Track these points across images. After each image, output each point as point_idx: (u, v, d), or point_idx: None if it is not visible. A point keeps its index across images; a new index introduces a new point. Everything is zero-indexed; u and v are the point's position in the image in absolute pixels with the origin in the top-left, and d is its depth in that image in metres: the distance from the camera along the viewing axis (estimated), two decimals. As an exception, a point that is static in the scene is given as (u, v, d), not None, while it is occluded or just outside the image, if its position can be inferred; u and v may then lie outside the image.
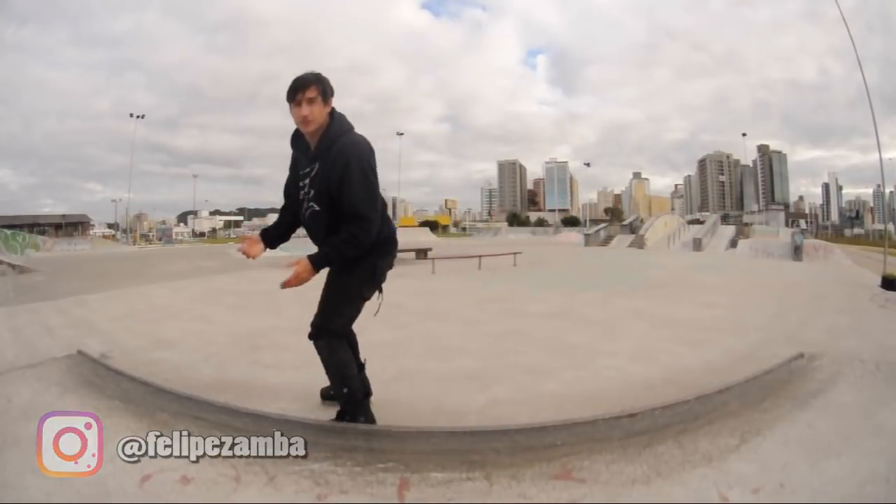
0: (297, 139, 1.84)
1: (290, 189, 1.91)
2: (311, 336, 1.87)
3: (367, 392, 2.02)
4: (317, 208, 1.75)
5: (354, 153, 1.70)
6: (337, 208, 1.72)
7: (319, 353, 1.87)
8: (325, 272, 1.83)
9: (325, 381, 2.01)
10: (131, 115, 39.59)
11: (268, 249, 1.99)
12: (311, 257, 1.70)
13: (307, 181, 1.78)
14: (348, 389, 1.87)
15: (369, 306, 1.95)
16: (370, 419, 1.88)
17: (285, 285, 1.71)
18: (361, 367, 2.04)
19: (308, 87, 1.69)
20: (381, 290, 1.94)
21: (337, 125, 1.75)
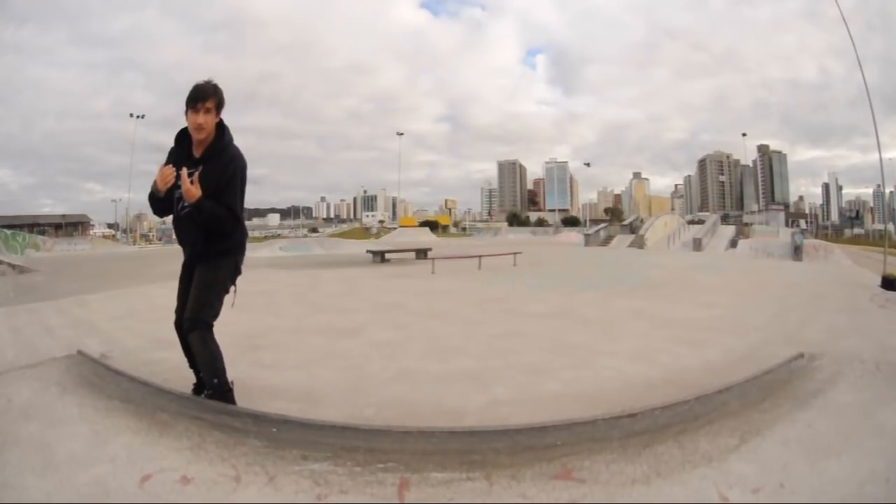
0: (183, 139, 2.00)
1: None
2: (187, 329, 2.00)
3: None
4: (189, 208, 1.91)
5: (241, 164, 1.96)
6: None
7: (193, 344, 2.01)
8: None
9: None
10: (131, 115, 39.59)
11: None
12: (201, 198, 1.87)
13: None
14: (218, 380, 1.99)
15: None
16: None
17: (187, 194, 1.86)
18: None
19: (208, 99, 1.86)
20: (235, 285, 2.17)
21: (227, 135, 1.97)
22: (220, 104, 1.91)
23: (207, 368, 2.01)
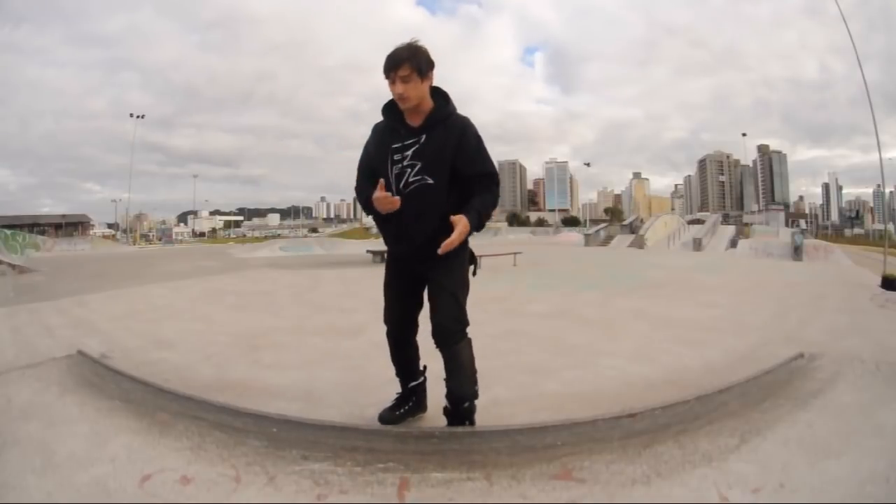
0: (391, 110, 1.74)
1: (374, 164, 1.74)
2: (451, 343, 1.71)
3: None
4: (430, 181, 1.65)
5: (469, 122, 1.70)
6: (456, 178, 1.66)
7: (459, 355, 1.73)
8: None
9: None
10: (131, 115, 39.67)
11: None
12: (471, 219, 1.62)
13: (409, 153, 1.67)
14: (478, 388, 1.79)
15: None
16: (473, 422, 1.80)
17: (448, 245, 1.58)
18: (424, 371, 2.01)
19: (400, 66, 1.61)
20: (474, 272, 1.87)
21: (451, 103, 1.73)
22: (421, 68, 1.62)
23: (470, 378, 1.78)
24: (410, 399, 2.00)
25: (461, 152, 1.66)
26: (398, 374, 1.99)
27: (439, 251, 1.58)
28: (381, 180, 1.67)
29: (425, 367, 2.02)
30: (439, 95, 1.73)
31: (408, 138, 1.69)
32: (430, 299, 1.78)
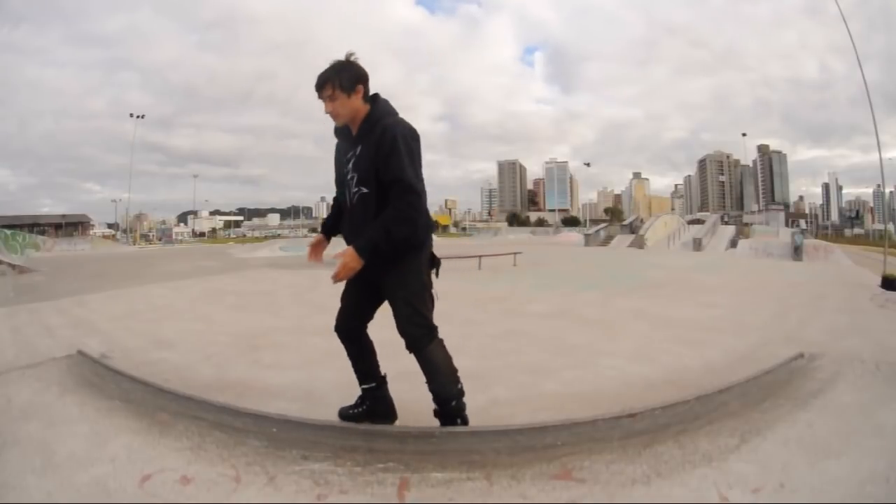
0: (340, 127, 1.82)
1: (338, 178, 1.85)
2: (419, 347, 1.73)
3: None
4: (365, 191, 1.69)
5: (399, 130, 1.67)
6: (384, 188, 1.66)
7: (432, 358, 1.74)
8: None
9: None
10: (131, 115, 39.68)
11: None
12: (356, 245, 1.62)
13: (350, 166, 1.75)
14: (461, 385, 1.79)
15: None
16: (465, 419, 1.81)
17: (335, 277, 1.64)
18: (382, 380, 1.97)
19: (324, 87, 1.70)
20: (436, 273, 1.84)
21: (381, 108, 1.74)
22: (344, 85, 1.68)
23: (448, 378, 1.79)
24: (365, 402, 1.97)
25: (377, 159, 1.66)
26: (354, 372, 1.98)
27: (332, 281, 1.66)
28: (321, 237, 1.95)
29: (384, 377, 1.98)
30: (375, 103, 1.75)
31: (349, 150, 1.77)
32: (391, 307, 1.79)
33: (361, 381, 1.95)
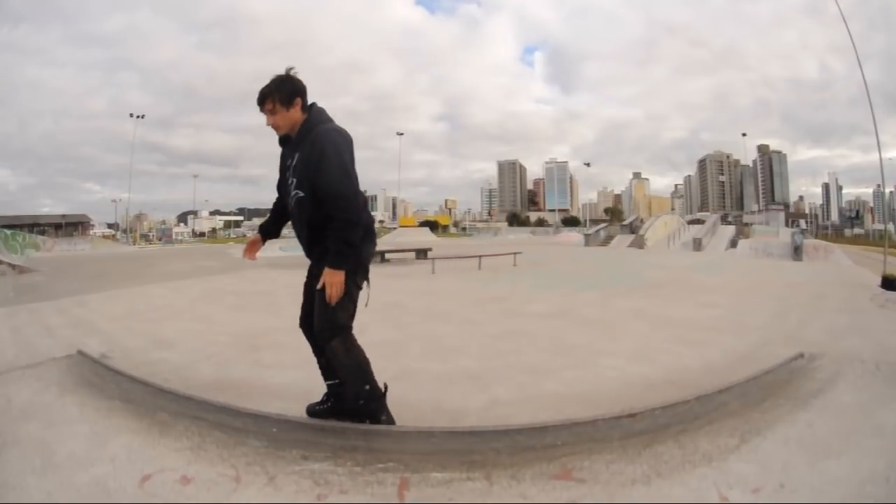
0: (282, 136, 1.94)
1: (280, 182, 2.01)
2: (323, 340, 1.81)
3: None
4: (301, 194, 1.81)
5: (330, 139, 1.77)
6: (317, 194, 1.76)
7: (334, 355, 1.79)
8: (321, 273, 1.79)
9: (322, 382, 2.01)
10: (131, 115, 39.64)
11: (265, 244, 2.17)
12: (328, 264, 1.73)
13: (290, 171, 1.86)
14: (370, 386, 1.80)
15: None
16: (390, 417, 1.84)
17: (330, 299, 1.74)
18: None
19: (264, 103, 1.81)
20: (368, 280, 1.91)
21: (315, 117, 1.84)
22: (284, 99, 1.79)
23: (356, 376, 1.81)
24: (330, 399, 1.99)
25: (310, 166, 1.75)
26: None
27: (328, 301, 1.73)
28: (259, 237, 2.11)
29: None
30: (310, 112, 1.86)
31: (289, 155, 1.88)
32: None
33: (325, 376, 1.99)
